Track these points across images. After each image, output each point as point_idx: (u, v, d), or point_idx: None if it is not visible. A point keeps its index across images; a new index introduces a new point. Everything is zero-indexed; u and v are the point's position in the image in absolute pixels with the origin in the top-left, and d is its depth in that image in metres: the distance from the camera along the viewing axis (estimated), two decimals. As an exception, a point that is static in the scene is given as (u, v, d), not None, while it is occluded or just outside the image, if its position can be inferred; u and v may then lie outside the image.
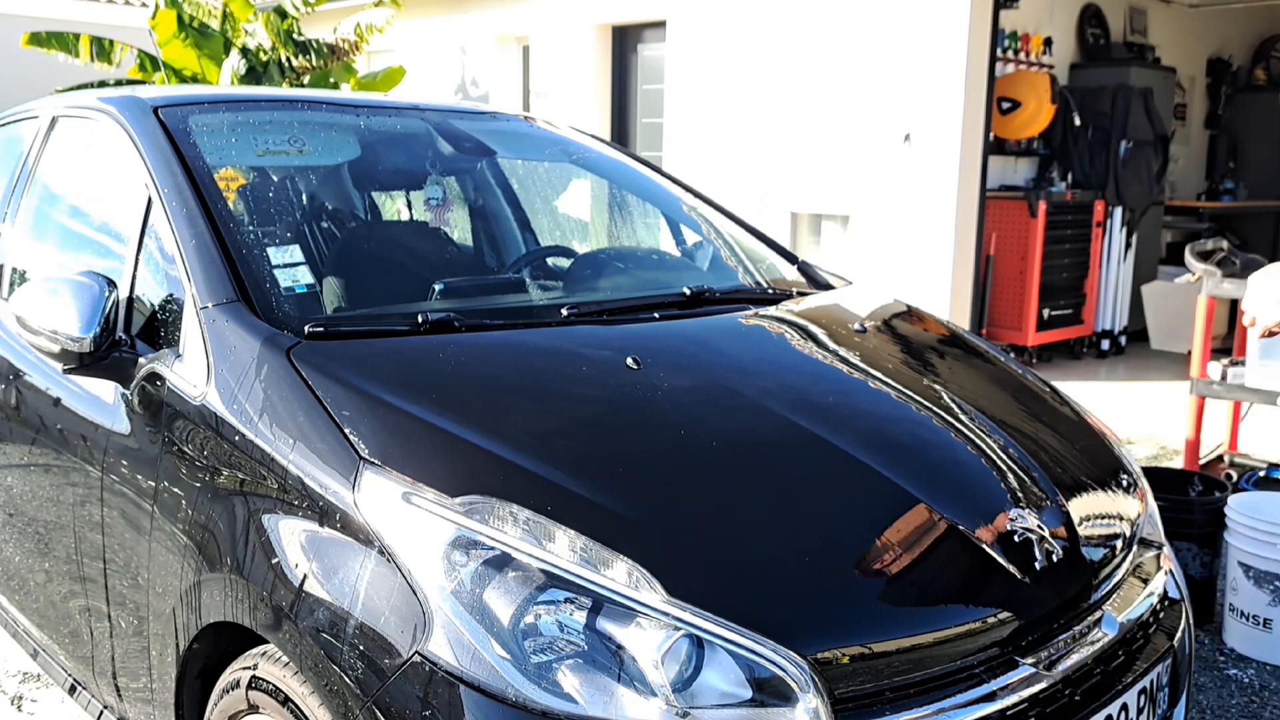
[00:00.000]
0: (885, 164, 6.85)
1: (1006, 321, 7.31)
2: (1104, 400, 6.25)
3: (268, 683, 1.70)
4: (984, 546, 1.74)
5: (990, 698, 1.60)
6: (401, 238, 2.90)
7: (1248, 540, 3.19)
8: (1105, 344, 7.85)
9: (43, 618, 2.56)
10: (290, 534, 1.68)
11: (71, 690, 2.47)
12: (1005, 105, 7.32)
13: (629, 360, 1.97)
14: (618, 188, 3.34)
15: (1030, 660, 1.68)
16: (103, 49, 8.93)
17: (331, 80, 9.02)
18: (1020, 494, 1.88)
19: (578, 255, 2.94)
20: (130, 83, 8.66)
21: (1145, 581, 2.01)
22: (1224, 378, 3.95)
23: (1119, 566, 1.95)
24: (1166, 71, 8.36)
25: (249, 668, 1.75)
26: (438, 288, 2.34)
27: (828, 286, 2.82)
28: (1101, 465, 2.19)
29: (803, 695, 1.47)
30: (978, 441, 2.00)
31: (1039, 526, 1.81)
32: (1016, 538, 1.77)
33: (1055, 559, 1.78)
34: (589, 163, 3.24)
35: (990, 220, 6.99)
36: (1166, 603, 2.06)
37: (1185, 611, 2.09)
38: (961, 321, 6.65)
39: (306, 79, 8.97)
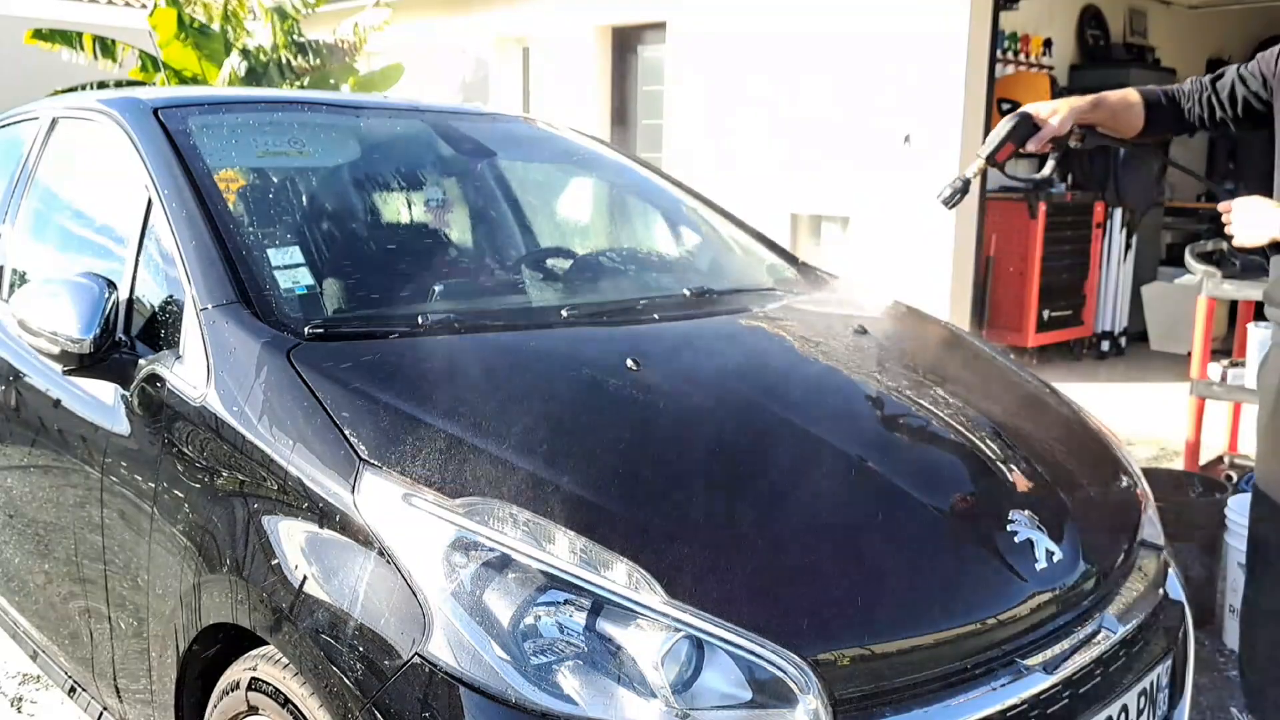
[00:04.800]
0: (885, 165, 6.85)
1: (1006, 323, 7.31)
2: (1104, 401, 6.24)
3: (268, 684, 1.70)
4: (984, 547, 1.74)
5: (990, 699, 1.60)
6: (401, 239, 2.89)
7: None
8: (1105, 345, 7.85)
9: (42, 619, 2.56)
10: (290, 535, 1.68)
11: (71, 692, 2.47)
12: (1005, 106, 7.31)
13: (629, 361, 1.97)
14: (617, 189, 3.34)
15: (1031, 661, 1.68)
16: (106, 47, 8.93)
17: (331, 81, 9.01)
18: (1020, 495, 1.88)
19: (577, 256, 2.94)
20: (130, 84, 8.66)
21: (1145, 583, 2.01)
22: (1224, 379, 3.94)
23: (1119, 568, 1.95)
24: (1166, 73, 8.35)
25: (249, 669, 1.75)
26: (438, 289, 2.34)
27: (828, 287, 2.82)
28: (1102, 466, 2.19)
29: (803, 696, 1.47)
30: (978, 442, 2.00)
31: (1039, 528, 1.80)
32: (1017, 539, 1.77)
33: (1055, 560, 1.78)
34: (589, 164, 3.24)
35: (990, 221, 6.99)
36: (1167, 604, 2.06)
37: (1185, 613, 2.09)
38: (961, 323, 6.64)
39: (306, 80, 8.96)
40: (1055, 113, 2.42)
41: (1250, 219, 2.31)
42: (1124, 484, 2.17)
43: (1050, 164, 2.48)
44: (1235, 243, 2.33)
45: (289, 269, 2.16)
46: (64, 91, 7.57)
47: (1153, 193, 8.01)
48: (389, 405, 1.74)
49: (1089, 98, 2.48)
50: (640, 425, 1.85)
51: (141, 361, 2.06)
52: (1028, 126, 2.41)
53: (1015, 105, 7.80)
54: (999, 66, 7.07)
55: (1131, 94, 2.52)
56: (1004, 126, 2.40)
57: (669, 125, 8.21)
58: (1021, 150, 2.43)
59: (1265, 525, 2.47)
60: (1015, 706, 1.62)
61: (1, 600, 2.82)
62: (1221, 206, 2.38)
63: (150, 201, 2.22)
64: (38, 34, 8.81)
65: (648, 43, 8.65)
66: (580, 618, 1.48)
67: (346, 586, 1.58)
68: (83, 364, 2.04)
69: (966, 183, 2.39)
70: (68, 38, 8.88)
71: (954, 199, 2.38)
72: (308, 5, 8.79)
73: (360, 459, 1.64)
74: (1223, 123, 2.50)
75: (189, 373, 1.95)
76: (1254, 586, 2.51)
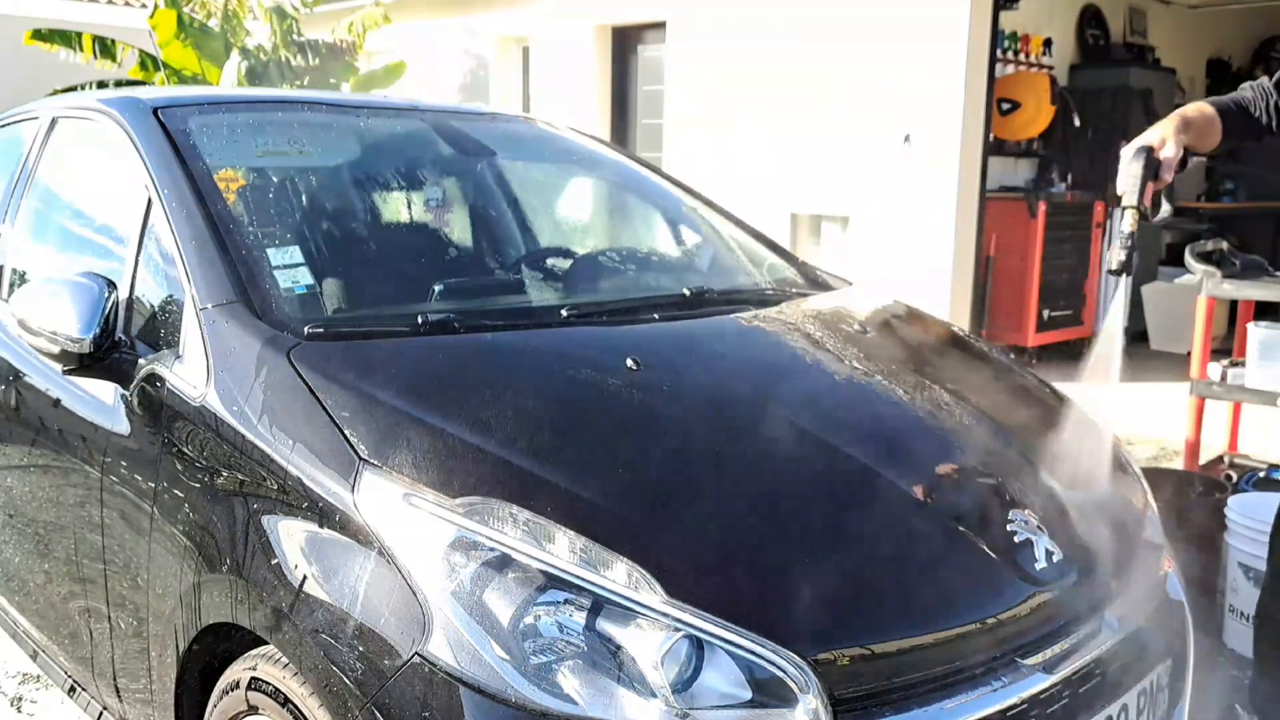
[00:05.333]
0: (885, 164, 6.85)
1: (1006, 322, 7.31)
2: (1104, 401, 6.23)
3: (267, 684, 1.70)
4: (984, 547, 1.74)
5: (990, 699, 1.60)
6: (401, 239, 2.90)
7: (1247, 541, 3.18)
8: (1105, 345, 7.84)
9: (42, 619, 2.56)
10: (290, 535, 1.68)
11: (71, 691, 2.47)
12: (1005, 106, 7.31)
13: (629, 361, 1.97)
14: (617, 188, 3.34)
15: (1030, 661, 1.68)
16: (105, 47, 8.94)
17: (332, 80, 9.02)
18: (1020, 495, 1.88)
19: (577, 256, 2.94)
20: (130, 83, 8.67)
21: (1145, 583, 2.01)
22: (1224, 378, 3.94)
23: (1119, 568, 1.95)
24: (1166, 72, 8.35)
25: (249, 669, 1.74)
26: (438, 288, 2.33)
27: (828, 287, 2.82)
28: (1101, 466, 2.19)
29: (803, 696, 1.46)
30: (978, 443, 2.00)
31: (1039, 527, 1.80)
32: (1017, 539, 1.77)
33: (1055, 560, 1.78)
34: (589, 164, 3.24)
35: (990, 221, 6.99)
36: (1167, 604, 2.06)
37: (1185, 612, 2.09)
38: (961, 322, 6.64)
39: (306, 79, 8.97)
40: (1165, 141, 2.24)
41: None
42: (1124, 484, 2.16)
43: (1166, 203, 2.27)
44: None
45: (289, 268, 2.16)
46: (63, 91, 7.58)
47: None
48: (389, 405, 1.74)
49: (1175, 119, 2.31)
50: (640, 425, 1.85)
51: (141, 361, 2.06)
52: (1153, 161, 2.22)
53: (1016, 105, 7.78)
54: (999, 66, 7.07)
55: (1206, 107, 2.37)
56: (1135, 169, 2.20)
57: (669, 125, 8.21)
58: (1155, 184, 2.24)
59: None
60: (1015, 706, 1.62)
61: (1, 600, 2.82)
62: None
63: (150, 201, 2.22)
64: (37, 34, 8.82)
65: (648, 43, 8.65)
66: (580, 617, 1.48)
67: (346, 586, 1.58)
68: (82, 364, 2.04)
69: (1134, 237, 2.16)
70: (66, 38, 8.88)
71: (1130, 261, 2.14)
72: (306, 5, 8.80)
73: (360, 458, 1.64)
74: None
75: (189, 372, 1.95)
76: (1271, 592, 2.43)
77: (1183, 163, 2.24)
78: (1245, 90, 2.39)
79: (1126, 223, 2.14)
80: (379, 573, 1.56)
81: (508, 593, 1.49)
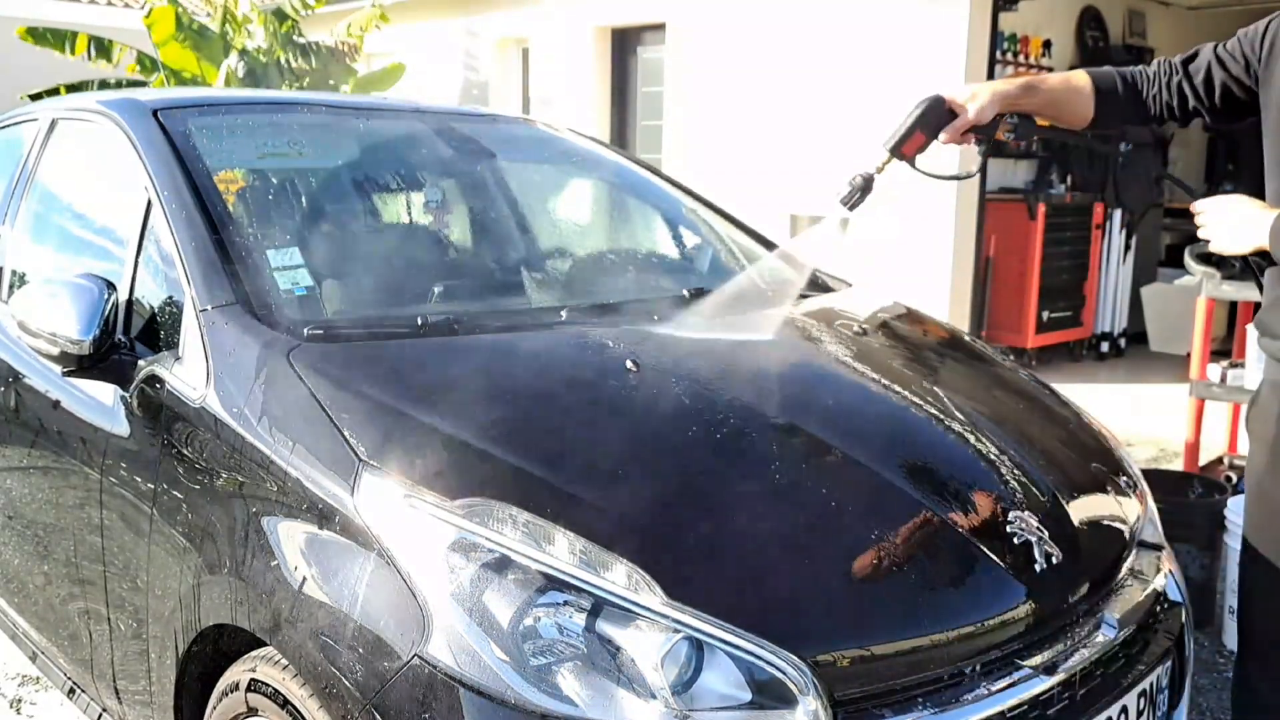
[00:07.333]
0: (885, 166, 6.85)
1: (1006, 324, 7.31)
2: (1103, 402, 6.24)
3: (267, 685, 1.70)
4: (984, 549, 1.74)
5: (990, 700, 1.60)
6: (401, 240, 2.89)
7: (1247, 542, 3.18)
8: (1105, 346, 7.85)
9: (42, 620, 2.56)
10: (290, 536, 1.68)
11: (70, 693, 2.47)
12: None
13: (628, 362, 1.97)
14: (617, 190, 3.34)
15: (1030, 662, 1.68)
16: (101, 47, 8.88)
17: (331, 82, 9.01)
18: (1020, 496, 1.88)
19: (577, 257, 2.94)
20: (130, 84, 8.64)
21: (1145, 584, 2.01)
22: (1223, 380, 3.94)
23: (1119, 569, 1.95)
24: (1166, 74, 8.35)
25: (248, 670, 1.74)
26: (437, 290, 2.34)
27: (827, 288, 2.82)
28: (1101, 467, 2.19)
29: (803, 697, 1.46)
30: (977, 444, 2.00)
31: (1039, 528, 1.80)
32: (1016, 540, 1.77)
33: (1055, 561, 1.78)
34: (588, 165, 3.24)
35: (990, 223, 6.99)
36: (1166, 605, 2.06)
37: (1185, 614, 2.09)
38: (961, 324, 6.64)
39: (306, 81, 8.97)
40: (974, 98, 2.06)
41: (1229, 222, 1.93)
42: (1123, 485, 2.16)
43: (975, 162, 2.11)
44: (1213, 249, 1.96)
45: (288, 270, 2.16)
46: (48, 92, 7.55)
47: (1151, 194, 8.00)
48: (388, 406, 1.74)
49: (1019, 80, 2.11)
50: (640, 426, 1.85)
51: (141, 363, 2.06)
52: (939, 113, 2.05)
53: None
54: (998, 68, 7.07)
55: (1078, 77, 2.12)
56: (911, 113, 2.04)
57: (669, 126, 8.21)
58: (939, 142, 2.10)
59: (1258, 605, 2.07)
60: (1015, 707, 1.62)
61: (1, 602, 2.82)
62: (1194, 207, 1.98)
63: (150, 203, 2.22)
64: (31, 33, 8.71)
65: (647, 43, 8.65)
66: (580, 619, 1.48)
67: (346, 588, 1.58)
68: (82, 365, 2.04)
69: (869, 180, 2.05)
70: (61, 38, 8.81)
71: (854, 199, 2.03)
72: (306, 6, 8.79)
73: (360, 460, 1.64)
74: (1195, 112, 2.10)
75: (188, 374, 1.95)
76: (1243, 664, 2.14)
77: (1013, 129, 2.07)
78: (1150, 66, 2.14)
79: (876, 163, 2.06)
80: (379, 574, 1.56)
81: (507, 594, 1.49)
